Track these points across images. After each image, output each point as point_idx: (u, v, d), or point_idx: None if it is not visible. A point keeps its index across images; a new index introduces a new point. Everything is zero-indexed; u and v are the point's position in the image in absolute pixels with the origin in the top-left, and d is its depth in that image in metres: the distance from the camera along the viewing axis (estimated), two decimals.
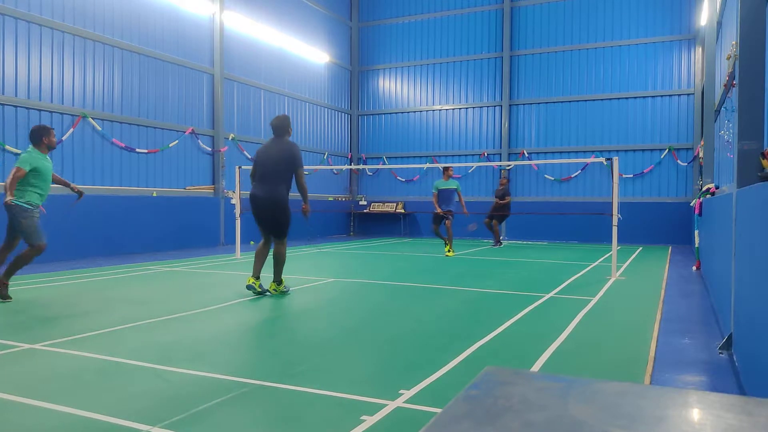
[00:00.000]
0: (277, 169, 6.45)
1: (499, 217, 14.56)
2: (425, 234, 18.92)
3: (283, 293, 6.77)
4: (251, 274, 6.71)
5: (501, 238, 15.39)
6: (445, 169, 12.56)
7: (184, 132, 13.61)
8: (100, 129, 11.62)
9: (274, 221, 6.58)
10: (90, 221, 11.01)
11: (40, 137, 6.45)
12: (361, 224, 20.05)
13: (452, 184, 12.37)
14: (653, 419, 1.05)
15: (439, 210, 12.24)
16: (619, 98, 16.83)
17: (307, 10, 18.04)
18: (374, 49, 20.28)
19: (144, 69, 12.63)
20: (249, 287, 6.61)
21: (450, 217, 12.27)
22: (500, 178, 15.65)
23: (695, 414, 1.11)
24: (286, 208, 6.56)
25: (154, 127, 12.86)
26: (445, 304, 6.42)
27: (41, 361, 4.05)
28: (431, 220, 12.70)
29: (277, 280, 6.76)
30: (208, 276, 8.67)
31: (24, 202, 6.18)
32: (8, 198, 6.09)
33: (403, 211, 19.07)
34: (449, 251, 12.07)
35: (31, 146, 6.47)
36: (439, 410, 1.14)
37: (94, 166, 11.55)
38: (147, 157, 12.63)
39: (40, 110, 10.52)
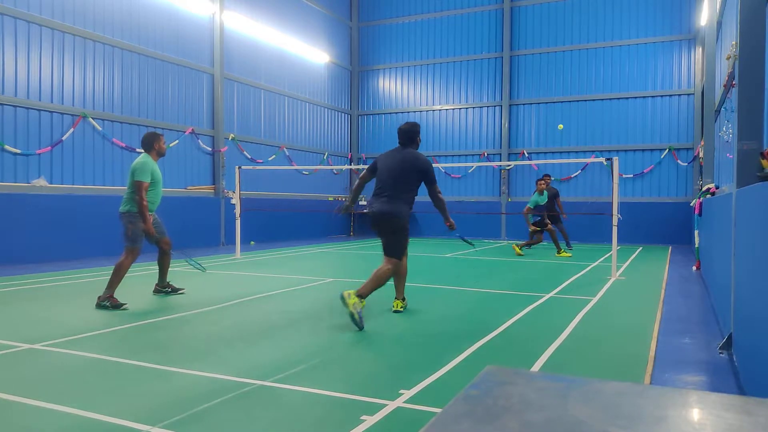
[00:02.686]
0: (398, 182, 5.56)
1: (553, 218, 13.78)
2: (425, 234, 18.93)
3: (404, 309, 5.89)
4: (355, 291, 5.25)
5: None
6: (537, 182, 12.58)
7: (184, 132, 13.61)
8: (100, 129, 11.62)
9: (392, 240, 5.60)
10: (90, 221, 11.00)
11: (151, 144, 6.50)
12: (361, 224, 20.04)
13: (547, 197, 12.58)
14: (653, 419, 1.05)
15: (530, 226, 12.55)
16: (619, 98, 16.82)
17: (307, 10, 18.04)
18: (374, 49, 20.28)
19: (144, 69, 12.63)
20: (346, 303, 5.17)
21: (548, 222, 12.61)
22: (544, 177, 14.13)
23: (695, 414, 1.11)
24: (405, 228, 5.63)
25: (154, 127, 12.85)
26: (445, 304, 6.41)
27: (41, 361, 4.05)
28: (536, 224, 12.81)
29: (401, 296, 5.87)
30: (208, 276, 8.67)
31: (134, 210, 6.22)
32: (152, 217, 6.35)
33: None
34: (561, 252, 12.23)
35: (144, 153, 6.48)
36: (439, 410, 1.14)
37: (95, 166, 11.55)
38: None
39: (40, 110, 10.52)
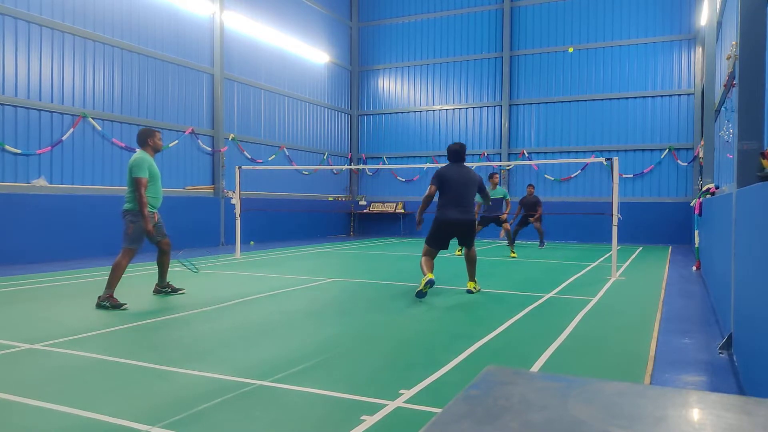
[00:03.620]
0: (468, 195, 6.96)
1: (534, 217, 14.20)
2: (425, 234, 18.91)
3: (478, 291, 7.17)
4: (429, 271, 6.60)
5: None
6: (491, 176, 12.63)
7: (184, 132, 13.61)
8: (100, 129, 11.62)
9: (471, 236, 7.11)
10: (90, 221, 11.01)
11: (145, 140, 6.43)
12: (361, 224, 20.05)
13: (499, 193, 12.44)
14: (653, 419, 1.05)
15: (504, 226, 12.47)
16: (619, 98, 16.83)
17: (307, 10, 18.04)
18: (374, 49, 20.28)
19: (144, 69, 12.63)
20: (429, 282, 6.39)
21: (505, 220, 12.44)
22: (528, 186, 14.59)
23: (695, 414, 1.11)
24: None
25: (154, 127, 12.85)
26: (445, 304, 6.41)
27: (41, 361, 4.05)
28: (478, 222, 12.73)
29: (474, 277, 7.23)
30: (208, 276, 8.67)
31: (137, 209, 6.16)
32: (155, 215, 6.38)
33: (402, 211, 19.07)
34: (513, 253, 12.21)
35: (139, 150, 6.41)
36: (439, 410, 1.14)
37: (94, 166, 11.55)
38: None
39: (40, 110, 10.52)
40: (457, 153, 7.09)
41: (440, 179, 6.98)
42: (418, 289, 6.44)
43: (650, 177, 16.48)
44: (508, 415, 1.07)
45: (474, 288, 7.14)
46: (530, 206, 14.13)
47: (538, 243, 14.65)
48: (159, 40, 12.99)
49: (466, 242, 7.19)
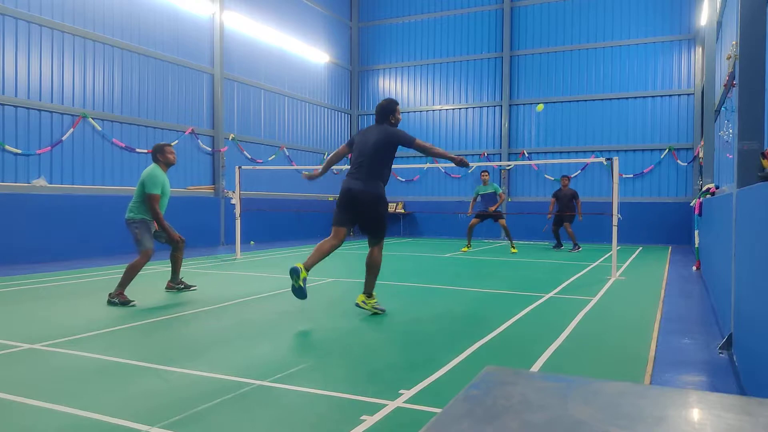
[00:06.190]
0: (374, 158, 5.44)
1: (568, 218, 13.77)
2: (425, 234, 18.94)
3: (375, 312, 5.61)
4: (308, 266, 5.44)
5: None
6: (482, 173, 13.23)
7: (184, 132, 13.61)
8: (100, 129, 11.62)
9: (375, 220, 5.59)
10: (90, 221, 11.01)
11: (156, 156, 6.64)
12: None
13: (491, 188, 13.05)
14: (653, 419, 1.05)
15: (470, 212, 13.46)
16: (619, 98, 16.82)
17: (307, 10, 18.04)
18: (374, 49, 20.28)
19: (144, 69, 12.63)
20: (299, 285, 5.29)
21: (503, 216, 13.16)
22: (561, 178, 14.26)
23: (695, 414, 1.11)
24: (386, 204, 5.61)
25: (154, 127, 12.86)
26: (445, 304, 6.41)
27: (41, 361, 4.05)
28: (473, 217, 13.39)
29: (369, 291, 5.68)
30: (208, 276, 8.67)
31: (138, 217, 6.37)
32: (163, 225, 6.55)
33: (403, 211, 19.07)
34: (513, 248, 12.97)
35: (153, 164, 6.59)
36: (439, 410, 1.14)
37: (94, 166, 11.55)
38: (147, 157, 12.59)
39: (40, 110, 10.52)
40: (377, 111, 5.69)
41: (351, 139, 5.80)
42: (294, 283, 5.29)
43: (650, 177, 16.48)
44: (508, 415, 1.07)
45: (364, 304, 5.59)
46: (566, 200, 13.65)
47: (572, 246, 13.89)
48: (159, 40, 12.99)
49: (369, 231, 5.64)
